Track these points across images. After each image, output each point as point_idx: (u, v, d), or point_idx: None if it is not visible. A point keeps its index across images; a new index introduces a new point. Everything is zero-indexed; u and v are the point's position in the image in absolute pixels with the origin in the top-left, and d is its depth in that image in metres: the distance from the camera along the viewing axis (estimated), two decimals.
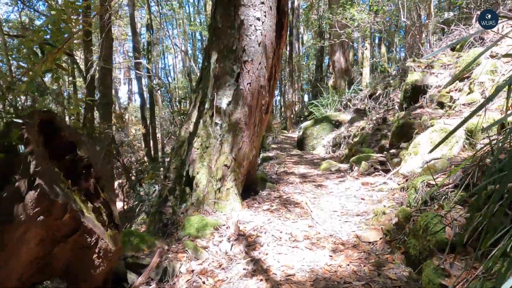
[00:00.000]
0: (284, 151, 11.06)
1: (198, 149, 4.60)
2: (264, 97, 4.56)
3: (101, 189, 2.58)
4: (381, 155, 6.24)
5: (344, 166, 6.79)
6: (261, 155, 10.54)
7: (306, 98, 29.36)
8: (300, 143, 11.01)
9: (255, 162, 5.31)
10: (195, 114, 4.78)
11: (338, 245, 3.40)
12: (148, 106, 16.48)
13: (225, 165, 4.43)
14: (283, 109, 25.91)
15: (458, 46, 7.10)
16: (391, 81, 8.08)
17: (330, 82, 15.56)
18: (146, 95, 16.95)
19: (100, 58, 9.08)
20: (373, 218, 3.84)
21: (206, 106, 4.59)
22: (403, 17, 8.13)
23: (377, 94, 8.99)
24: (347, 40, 13.59)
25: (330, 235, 3.62)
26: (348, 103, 11.99)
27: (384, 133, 6.85)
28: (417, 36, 7.81)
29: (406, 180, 4.42)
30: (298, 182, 5.71)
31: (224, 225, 3.93)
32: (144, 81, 15.33)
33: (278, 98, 37.06)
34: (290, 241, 3.54)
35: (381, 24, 13.38)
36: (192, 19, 25.37)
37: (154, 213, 4.69)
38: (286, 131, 15.60)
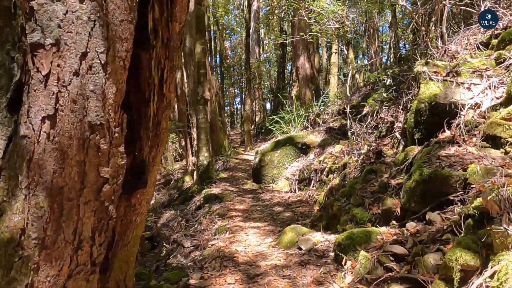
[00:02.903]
0: (236, 184, 8.01)
1: None
2: (112, 159, 1.46)
3: None
4: (389, 228, 3.32)
5: (320, 237, 3.83)
6: (204, 191, 7.47)
7: (268, 106, 26.54)
8: (257, 173, 8.01)
9: None
10: None
11: None
12: None
13: None
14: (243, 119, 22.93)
15: (494, 41, 4.37)
16: (384, 95, 5.29)
17: (294, 92, 12.75)
18: None
19: None
20: None
21: None
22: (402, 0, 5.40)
23: (363, 113, 6.16)
24: (312, 41, 10.80)
25: None
26: (317, 118, 9.15)
27: (385, 182, 3.97)
28: (423, 28, 5.07)
29: None
30: None
31: None
32: None
33: (239, 106, 34.12)
34: None
35: (353, 23, 10.72)
36: None
37: None
38: (242, 151, 12.56)
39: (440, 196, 3.13)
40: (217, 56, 19.72)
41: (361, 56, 25.74)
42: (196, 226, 5.55)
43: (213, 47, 19.13)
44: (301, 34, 6.87)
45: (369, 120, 5.60)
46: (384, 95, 5.22)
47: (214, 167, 9.25)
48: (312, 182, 6.43)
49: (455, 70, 4.13)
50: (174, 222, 6.68)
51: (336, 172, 5.76)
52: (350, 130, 5.52)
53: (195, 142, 9.34)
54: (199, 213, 6.58)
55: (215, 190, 7.40)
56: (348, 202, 4.16)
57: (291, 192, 6.83)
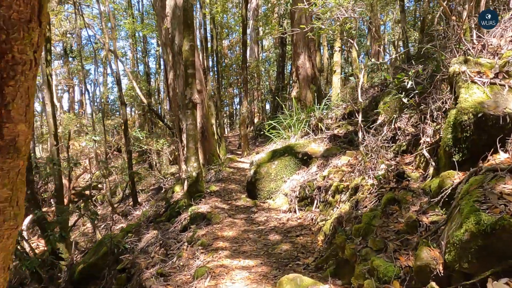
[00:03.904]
0: (228, 200, 6.98)
1: None
2: None
3: None
4: None
5: None
6: (190, 208, 6.45)
7: (267, 107, 25.45)
8: (252, 187, 6.97)
9: None
10: None
11: None
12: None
13: None
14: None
15: None
16: (404, 100, 4.21)
17: (294, 93, 11.69)
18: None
19: None
20: None
21: None
22: None
23: (379, 122, 5.07)
24: (314, 38, 9.76)
25: None
26: (319, 123, 8.11)
27: (414, 218, 2.93)
28: (453, 17, 4.01)
29: None
30: None
31: None
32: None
33: (239, 107, 33.12)
34: None
35: (356, 20, 9.62)
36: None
37: None
38: (239, 157, 11.52)
39: (509, 257, 2.09)
40: (214, 55, 18.66)
41: (363, 55, 24.62)
42: (174, 260, 4.51)
43: (209, 46, 18.07)
44: (302, 26, 5.80)
45: (385, 131, 4.54)
46: (405, 100, 4.17)
47: (204, 179, 8.21)
48: (315, 202, 5.39)
49: (505, 70, 3.08)
50: (154, 248, 5.66)
51: (344, 193, 4.72)
52: (362, 143, 4.46)
53: (184, 150, 8.31)
54: (183, 237, 5.56)
55: (203, 207, 6.37)
56: (365, 244, 3.11)
57: (290, 212, 5.79)
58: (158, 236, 5.92)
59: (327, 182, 5.35)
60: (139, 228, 7.85)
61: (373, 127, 4.94)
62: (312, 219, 5.14)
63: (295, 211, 5.69)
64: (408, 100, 4.21)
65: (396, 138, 4.41)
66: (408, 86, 4.05)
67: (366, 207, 3.69)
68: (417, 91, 4.17)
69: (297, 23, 10.95)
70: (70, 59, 23.04)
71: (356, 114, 4.69)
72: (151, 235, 6.43)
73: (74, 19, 16.63)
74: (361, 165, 4.42)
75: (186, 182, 7.78)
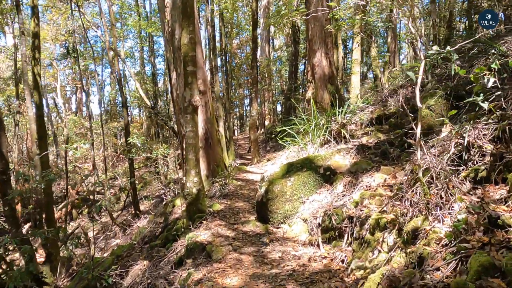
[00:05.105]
0: (234, 223, 5.70)
1: None
2: None
3: None
4: None
5: None
6: (187, 236, 5.22)
7: (279, 108, 24.13)
8: (263, 208, 5.66)
9: None
10: None
11: None
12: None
13: None
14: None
15: None
16: (483, 105, 2.88)
17: (309, 94, 10.35)
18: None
19: None
20: None
21: None
22: None
23: (441, 136, 3.69)
24: (332, 30, 8.42)
25: None
26: (342, 130, 6.78)
27: None
28: None
29: None
30: None
31: None
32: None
33: (249, 108, 31.78)
34: None
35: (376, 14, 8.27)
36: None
37: None
38: (248, 166, 10.23)
39: None
40: (224, 54, 17.41)
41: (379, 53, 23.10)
42: None
43: (218, 45, 16.85)
44: (331, 4, 4.41)
45: (452, 148, 3.16)
46: (484, 105, 2.81)
47: (208, 194, 6.95)
48: (346, 236, 4.07)
49: None
50: None
51: (388, 230, 3.39)
52: (421, 167, 3.08)
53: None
54: (176, 277, 4.31)
55: (203, 234, 5.10)
56: None
57: (311, 245, 4.47)
58: (145, 274, 4.68)
59: (361, 210, 4.03)
60: (131, 251, 6.64)
61: (425, 140, 3.58)
62: (343, 261, 3.82)
63: (318, 245, 4.37)
64: (488, 105, 2.87)
65: (468, 158, 3.06)
66: (490, 84, 2.72)
67: (438, 269, 2.36)
68: (499, 92, 2.83)
69: (312, 17, 9.63)
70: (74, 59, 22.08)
71: (414, 126, 3.33)
72: (139, 268, 5.20)
73: (74, 17, 15.57)
74: (419, 196, 3.07)
75: (185, 198, 6.54)
